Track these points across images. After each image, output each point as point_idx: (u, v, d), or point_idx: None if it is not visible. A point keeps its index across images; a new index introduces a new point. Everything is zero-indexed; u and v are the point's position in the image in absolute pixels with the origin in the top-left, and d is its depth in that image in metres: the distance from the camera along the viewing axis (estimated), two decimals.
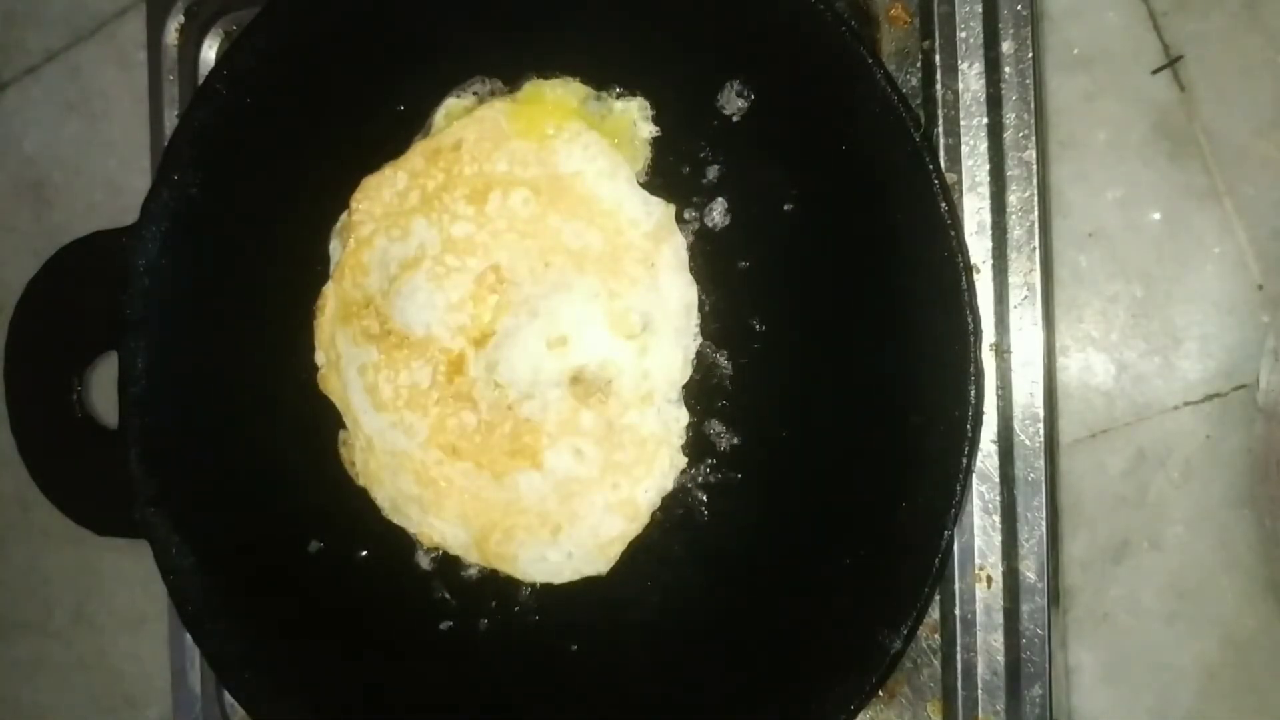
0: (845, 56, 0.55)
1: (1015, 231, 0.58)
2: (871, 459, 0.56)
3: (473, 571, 0.62)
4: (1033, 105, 0.58)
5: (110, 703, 0.90)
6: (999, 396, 0.58)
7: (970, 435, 0.52)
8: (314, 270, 0.64)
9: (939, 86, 0.59)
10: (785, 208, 0.57)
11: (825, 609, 0.56)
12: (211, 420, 0.65)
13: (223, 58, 0.71)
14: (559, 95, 0.60)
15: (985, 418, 0.57)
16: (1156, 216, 0.68)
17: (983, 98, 0.59)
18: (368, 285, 0.61)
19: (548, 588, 0.61)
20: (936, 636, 0.59)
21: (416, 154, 0.61)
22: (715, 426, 0.59)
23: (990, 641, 0.58)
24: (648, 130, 0.59)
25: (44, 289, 0.70)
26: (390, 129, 0.63)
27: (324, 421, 0.64)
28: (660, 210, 0.58)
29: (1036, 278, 0.58)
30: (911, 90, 0.60)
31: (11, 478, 0.88)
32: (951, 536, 0.53)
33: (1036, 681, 0.57)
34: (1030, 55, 0.58)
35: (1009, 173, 0.58)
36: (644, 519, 0.58)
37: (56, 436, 0.70)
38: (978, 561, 0.58)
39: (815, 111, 0.57)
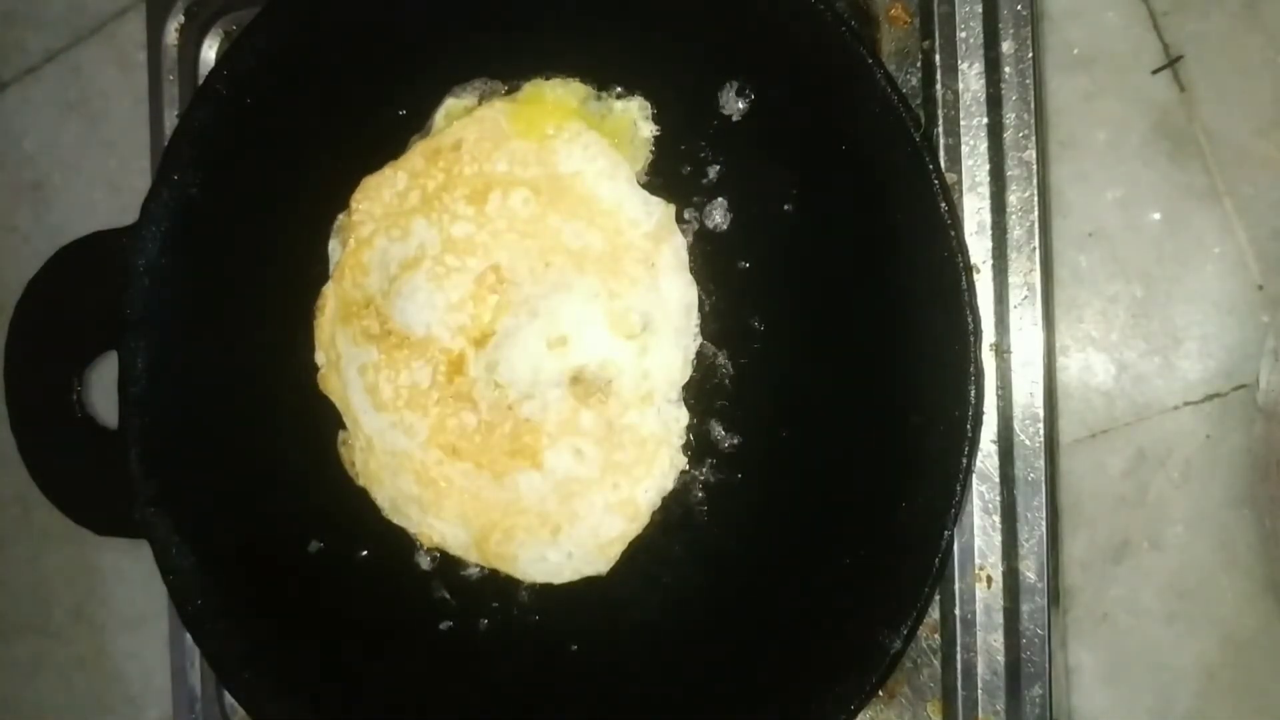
0: (845, 56, 0.55)
1: (1015, 231, 0.58)
2: (871, 459, 0.56)
3: (473, 571, 0.62)
4: (1033, 105, 0.58)
5: (110, 703, 0.90)
6: (999, 396, 0.58)
7: (970, 435, 0.52)
8: (314, 270, 0.64)
9: (939, 86, 0.59)
10: (785, 208, 0.57)
11: (825, 609, 0.56)
12: (211, 420, 0.65)
13: (223, 58, 0.71)
14: (559, 95, 0.60)
15: (985, 418, 0.57)
16: (1156, 216, 0.68)
17: (983, 98, 0.59)
18: (368, 285, 0.61)
19: (548, 588, 0.61)
20: (936, 636, 0.59)
21: (416, 154, 0.61)
22: (715, 426, 0.59)
23: (990, 641, 0.58)
24: (648, 130, 0.59)
25: (44, 289, 0.70)
26: (390, 129, 0.63)
27: (324, 421, 0.64)
28: (660, 210, 0.58)
29: (1036, 278, 0.58)
30: (911, 90, 0.60)
31: (11, 478, 0.87)
32: (951, 536, 0.53)
33: (1036, 681, 0.57)
34: (1030, 55, 0.58)
35: (1009, 173, 0.58)
36: (644, 519, 0.58)
37: (56, 436, 0.70)
38: (978, 561, 0.58)
39: (815, 111, 0.57)
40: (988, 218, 0.58)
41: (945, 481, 0.52)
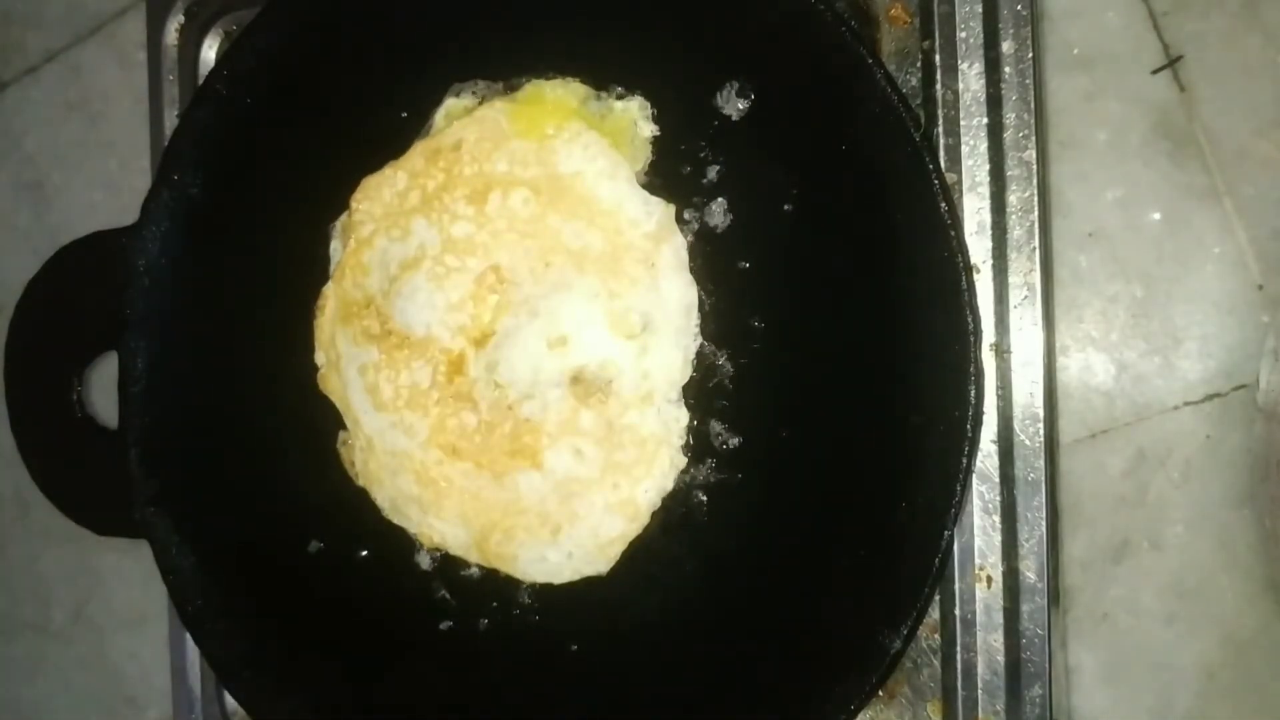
0: (845, 56, 0.55)
1: (1015, 231, 0.58)
2: (871, 459, 0.56)
3: (473, 571, 0.62)
4: (1033, 105, 0.58)
5: (110, 703, 0.90)
6: (999, 396, 0.58)
7: (970, 435, 0.52)
8: (314, 270, 0.64)
9: (939, 86, 0.59)
10: (785, 208, 0.57)
11: (825, 609, 0.56)
12: (211, 420, 0.65)
13: (223, 58, 0.71)
14: (559, 95, 0.60)
15: (985, 418, 0.57)
16: (1156, 216, 0.68)
17: (983, 98, 0.59)
18: (368, 285, 0.61)
19: (548, 588, 0.61)
20: (936, 636, 0.59)
21: (416, 154, 0.61)
22: (715, 426, 0.58)
23: (990, 641, 0.58)
24: (648, 130, 0.59)
25: (44, 289, 0.70)
26: (390, 129, 0.63)
27: (324, 421, 0.64)
28: (660, 210, 0.58)
29: (1036, 278, 0.58)
30: (911, 90, 0.60)
31: (11, 478, 0.88)
32: (951, 536, 0.53)
33: (1036, 681, 0.57)
34: (1030, 55, 0.58)
35: (1009, 173, 0.58)
36: (644, 519, 0.58)
37: (56, 436, 0.70)
38: (978, 561, 0.58)
39: (815, 111, 0.57)
40: (988, 218, 0.58)
41: (945, 481, 0.52)
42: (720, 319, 0.58)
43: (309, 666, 0.64)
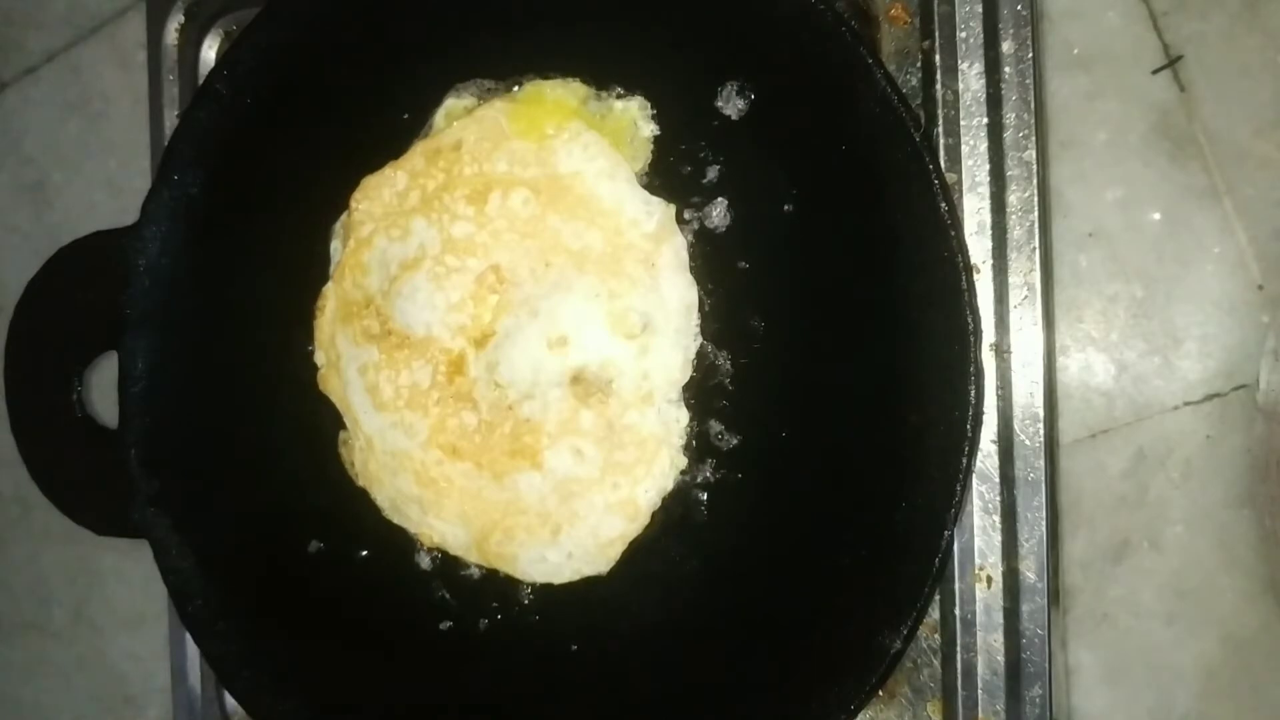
0: (845, 56, 0.55)
1: (1015, 231, 0.58)
2: (871, 459, 0.56)
3: (473, 571, 0.62)
4: (1033, 105, 0.58)
5: (110, 703, 0.90)
6: (999, 396, 0.58)
7: (970, 435, 0.52)
8: (314, 270, 0.64)
9: (939, 86, 0.59)
10: (785, 208, 0.57)
11: (825, 609, 0.56)
12: (212, 420, 0.65)
13: (223, 58, 0.71)
14: (559, 95, 0.60)
15: (985, 418, 0.57)
16: (1156, 216, 0.68)
17: (983, 98, 0.59)
18: (368, 285, 0.61)
19: (548, 588, 0.61)
20: (936, 636, 0.59)
21: (417, 154, 0.61)
22: (715, 426, 0.58)
23: (990, 641, 0.58)
24: (649, 130, 0.59)
25: (44, 289, 0.70)
26: (390, 129, 0.63)
27: (324, 421, 0.64)
28: (661, 210, 0.58)
29: (1036, 278, 0.58)
30: (911, 90, 0.60)
31: (11, 478, 0.88)
32: (951, 536, 0.53)
33: (1036, 681, 0.57)
34: (1030, 55, 0.58)
35: (1009, 173, 0.58)
36: (644, 519, 0.58)
37: (56, 436, 0.70)
38: (978, 561, 0.58)
39: (815, 111, 0.57)
40: (988, 218, 0.58)
41: (945, 481, 0.52)
42: (720, 319, 0.58)
43: (309, 666, 0.64)
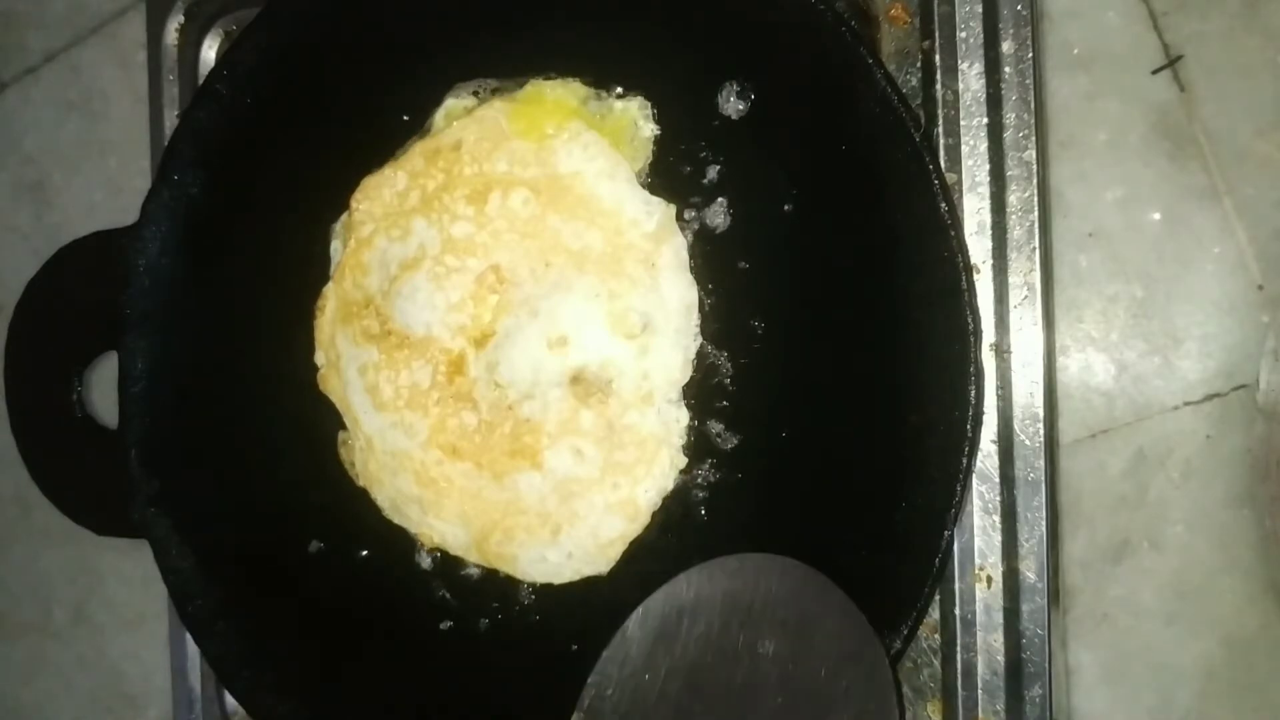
0: (845, 56, 0.55)
1: (1015, 231, 0.58)
2: (871, 459, 0.56)
3: (473, 571, 0.62)
4: (1033, 105, 0.58)
5: (110, 703, 0.90)
6: (999, 396, 0.58)
7: (970, 435, 0.52)
8: (314, 270, 0.64)
9: (939, 86, 0.59)
10: (785, 208, 0.57)
11: None
12: (212, 420, 0.65)
13: (223, 58, 0.71)
14: (559, 95, 0.60)
15: (985, 418, 0.57)
16: (1156, 216, 0.68)
17: (983, 98, 0.59)
18: (368, 285, 0.61)
19: (548, 588, 0.61)
20: (936, 636, 0.59)
21: (416, 154, 0.61)
22: (715, 426, 0.59)
23: (990, 641, 0.58)
24: (649, 130, 0.59)
25: (44, 289, 0.70)
26: (390, 129, 0.63)
27: (324, 421, 0.64)
28: (661, 210, 0.58)
29: (1036, 278, 0.58)
30: (911, 90, 0.60)
31: (11, 478, 0.88)
32: (951, 536, 0.53)
33: (1037, 681, 0.57)
34: (1030, 55, 0.58)
35: (1009, 173, 0.58)
36: (644, 519, 0.58)
37: (56, 436, 0.70)
38: (978, 561, 0.58)
39: (815, 111, 0.57)
40: (988, 218, 0.58)
41: (945, 482, 0.52)
42: (720, 319, 0.58)
43: (309, 666, 0.64)
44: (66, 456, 0.70)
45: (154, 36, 0.75)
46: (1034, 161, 0.58)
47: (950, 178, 0.58)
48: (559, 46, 0.60)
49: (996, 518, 0.58)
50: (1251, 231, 0.66)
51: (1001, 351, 0.58)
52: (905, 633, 0.53)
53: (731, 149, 0.58)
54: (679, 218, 0.59)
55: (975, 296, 0.53)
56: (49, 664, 0.92)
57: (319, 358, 0.64)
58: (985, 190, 0.59)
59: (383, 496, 0.62)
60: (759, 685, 0.51)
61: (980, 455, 0.57)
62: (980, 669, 0.58)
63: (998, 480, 0.58)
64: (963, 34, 0.59)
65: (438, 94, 0.62)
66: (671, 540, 0.59)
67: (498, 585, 0.61)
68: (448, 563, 0.62)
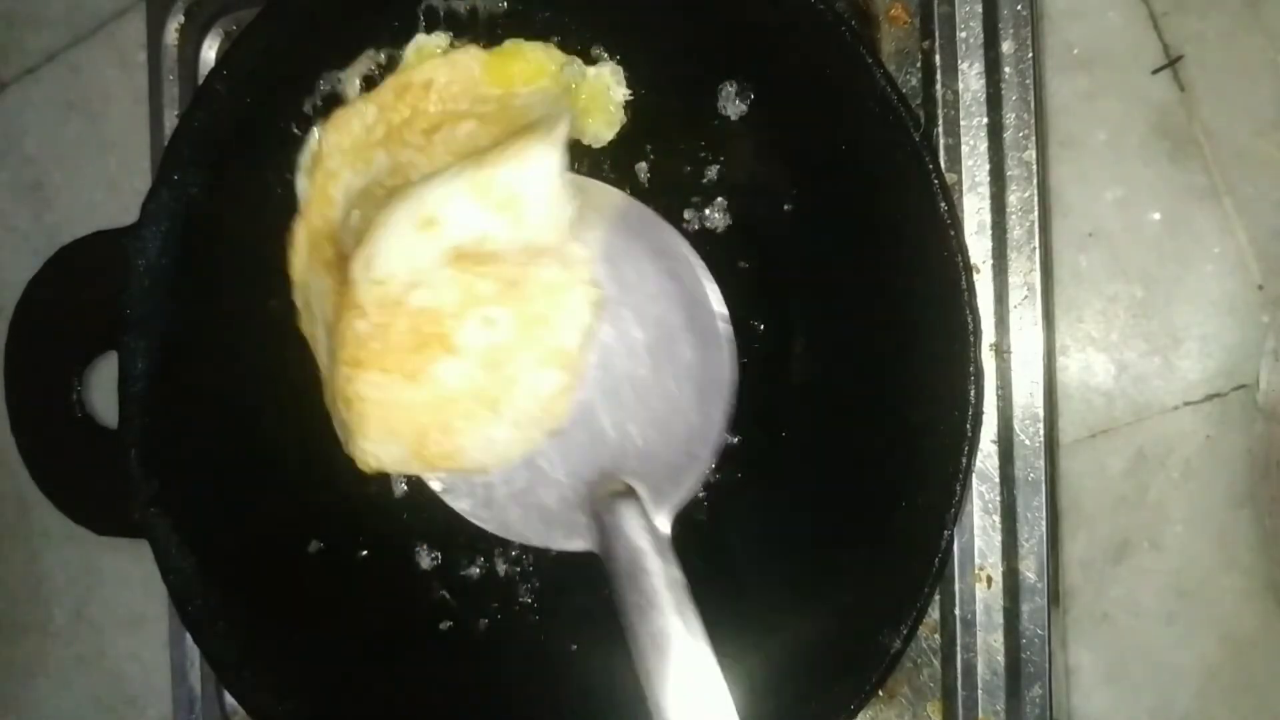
0: (845, 56, 0.55)
1: (1015, 231, 0.58)
2: (871, 459, 0.56)
3: (473, 571, 0.62)
4: (1033, 105, 0.58)
5: (110, 702, 0.90)
6: (999, 396, 0.58)
7: (970, 435, 0.52)
8: None
9: (939, 86, 0.59)
10: (785, 208, 0.57)
11: (825, 609, 0.56)
12: (212, 420, 0.65)
13: (223, 58, 0.71)
14: (539, 57, 0.59)
15: (985, 418, 0.57)
16: (1156, 217, 0.68)
17: (983, 98, 0.59)
18: (332, 218, 0.59)
19: (548, 587, 0.61)
20: (936, 637, 0.59)
21: (388, 88, 0.59)
22: None
23: (990, 642, 0.58)
24: (621, 95, 0.59)
25: (43, 289, 0.70)
26: None
27: (324, 421, 0.64)
28: (569, 211, 0.55)
29: (1036, 278, 0.58)
30: (911, 90, 0.60)
31: (11, 478, 0.88)
32: (951, 536, 0.53)
33: (1036, 681, 0.57)
34: (1030, 55, 0.58)
35: (1009, 173, 0.58)
36: (580, 365, 0.56)
37: (56, 436, 0.70)
38: (978, 561, 0.58)
39: (815, 111, 0.57)
40: (988, 218, 0.59)
41: (945, 481, 0.52)
42: None
43: (309, 666, 0.64)
44: (66, 456, 0.70)
45: (154, 36, 0.75)
46: (1034, 161, 0.58)
47: (950, 178, 0.58)
48: (559, 45, 0.60)
49: (996, 518, 0.58)
50: (1252, 231, 0.66)
51: (1001, 351, 0.58)
52: (905, 633, 0.53)
53: (731, 149, 0.58)
54: (679, 217, 0.59)
55: (975, 296, 0.53)
56: (49, 664, 0.92)
57: (296, 298, 0.62)
58: (985, 190, 0.59)
59: (347, 440, 0.59)
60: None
61: (980, 455, 0.57)
62: (980, 669, 0.58)
63: (998, 480, 0.58)
64: (963, 34, 0.59)
65: None
66: (670, 539, 0.59)
67: (498, 585, 0.61)
68: (448, 563, 0.62)
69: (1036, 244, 0.58)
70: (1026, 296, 0.58)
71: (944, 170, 0.57)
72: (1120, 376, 0.68)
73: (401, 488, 0.64)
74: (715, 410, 0.56)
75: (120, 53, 0.88)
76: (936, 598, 0.59)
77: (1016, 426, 0.58)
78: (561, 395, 0.56)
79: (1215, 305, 0.67)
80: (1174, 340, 0.67)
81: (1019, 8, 0.58)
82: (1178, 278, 0.67)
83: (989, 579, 0.58)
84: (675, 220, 0.59)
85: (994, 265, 0.58)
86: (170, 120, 0.74)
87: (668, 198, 0.59)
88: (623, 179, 0.60)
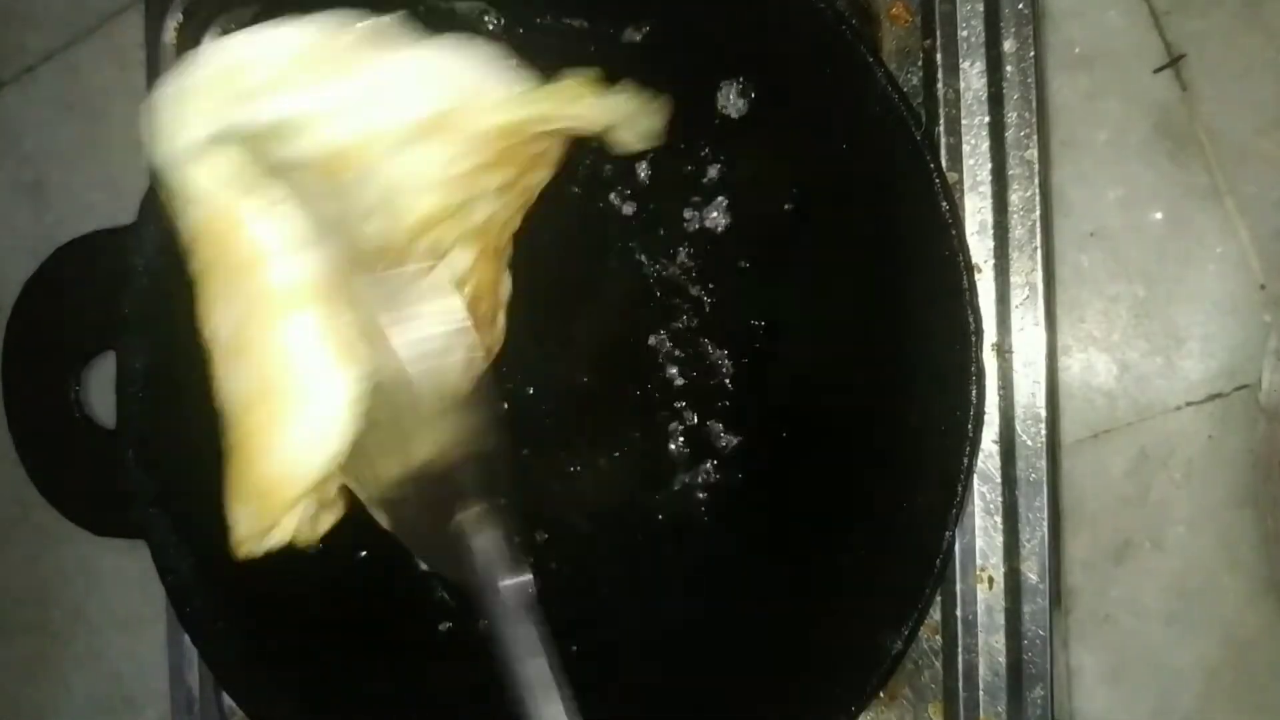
0: (846, 55, 0.54)
1: (1017, 231, 0.58)
2: (872, 459, 0.55)
3: None
4: (1034, 104, 0.58)
5: (109, 703, 0.90)
6: (1000, 396, 0.58)
7: (971, 436, 0.52)
8: None
9: (940, 85, 0.59)
10: (785, 208, 0.57)
11: (825, 610, 0.56)
12: (211, 420, 0.65)
13: None
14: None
15: (986, 418, 0.57)
16: (1158, 216, 0.67)
17: (984, 97, 0.58)
18: None
19: (547, 588, 0.60)
20: (938, 638, 0.59)
21: None
22: (715, 426, 0.58)
23: (992, 643, 0.58)
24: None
25: (42, 289, 0.70)
26: None
27: None
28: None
29: (1038, 277, 0.58)
30: (912, 89, 0.60)
31: (10, 478, 0.87)
32: (953, 537, 0.53)
33: (1038, 683, 0.57)
34: (1032, 54, 0.58)
35: (1010, 172, 0.58)
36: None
37: (55, 436, 0.69)
38: (979, 562, 0.58)
39: (816, 111, 0.57)
40: (989, 217, 0.58)
41: (946, 482, 0.52)
42: (720, 319, 0.58)
43: (308, 667, 0.64)
44: (65, 456, 0.70)
45: (152, 36, 0.75)
46: (1035, 161, 0.58)
47: (951, 177, 0.58)
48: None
49: (998, 518, 0.58)
50: (1253, 231, 0.66)
51: (1003, 351, 0.58)
52: (906, 634, 0.53)
53: (731, 149, 0.58)
54: (679, 218, 0.58)
55: (976, 296, 0.53)
56: (48, 664, 0.92)
57: None
58: (987, 189, 0.58)
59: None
60: None
61: (981, 456, 0.57)
62: (981, 670, 0.58)
63: (999, 481, 0.58)
64: (964, 32, 0.59)
65: None
66: (671, 541, 0.59)
67: None
68: None
69: (1038, 244, 0.58)
70: (1028, 296, 0.58)
71: (945, 169, 0.57)
72: (1122, 376, 0.68)
73: None
74: None
75: (119, 52, 0.88)
76: (938, 599, 0.59)
77: (1018, 427, 0.58)
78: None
79: (1217, 305, 0.67)
80: (1176, 340, 0.67)
81: (1020, 6, 0.58)
82: (1179, 277, 0.67)
83: (990, 580, 0.58)
84: (675, 219, 0.59)
85: (995, 265, 0.58)
86: None
87: (668, 197, 0.58)
88: (623, 179, 0.60)
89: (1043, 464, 0.57)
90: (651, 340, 0.59)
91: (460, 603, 0.62)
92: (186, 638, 0.70)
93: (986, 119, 0.58)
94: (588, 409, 0.60)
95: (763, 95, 0.58)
